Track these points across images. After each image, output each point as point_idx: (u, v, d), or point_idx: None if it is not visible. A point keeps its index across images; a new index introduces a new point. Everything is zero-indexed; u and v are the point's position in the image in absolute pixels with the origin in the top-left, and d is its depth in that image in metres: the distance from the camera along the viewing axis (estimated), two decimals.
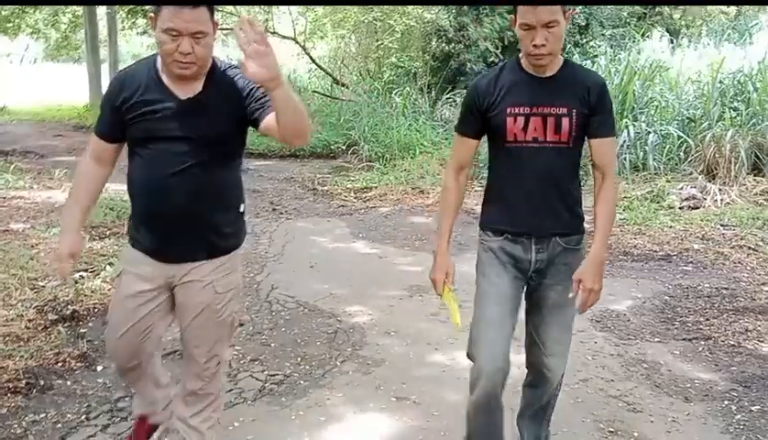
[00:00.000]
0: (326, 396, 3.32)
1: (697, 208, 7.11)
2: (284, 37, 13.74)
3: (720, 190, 7.39)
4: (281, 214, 7.29)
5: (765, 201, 7.24)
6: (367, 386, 3.44)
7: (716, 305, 4.62)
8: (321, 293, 4.76)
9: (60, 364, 3.52)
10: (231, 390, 3.31)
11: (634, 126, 8.72)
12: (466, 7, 11.66)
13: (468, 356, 2.44)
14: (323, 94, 13.29)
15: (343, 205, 7.73)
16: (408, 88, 11.89)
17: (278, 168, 10.09)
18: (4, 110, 17.17)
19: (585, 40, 12.38)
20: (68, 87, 20.92)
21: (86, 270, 4.80)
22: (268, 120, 2.17)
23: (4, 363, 3.42)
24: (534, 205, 2.36)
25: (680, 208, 7.14)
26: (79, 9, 18.70)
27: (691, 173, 7.97)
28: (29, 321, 3.94)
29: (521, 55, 2.36)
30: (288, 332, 4.10)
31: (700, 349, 3.95)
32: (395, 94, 11.74)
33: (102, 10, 17.98)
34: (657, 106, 9.45)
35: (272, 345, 3.91)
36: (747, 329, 4.21)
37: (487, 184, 2.53)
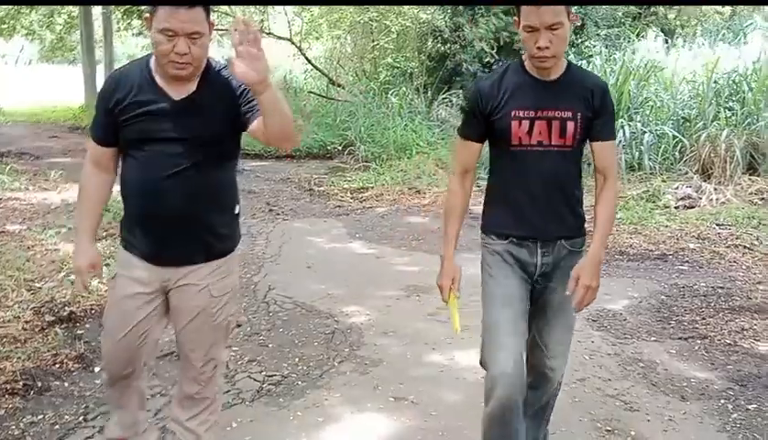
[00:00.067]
0: (324, 396, 3.33)
1: (693, 208, 7.14)
2: (280, 37, 13.73)
3: (716, 189, 7.41)
4: (278, 214, 7.29)
5: (760, 200, 7.28)
6: (365, 386, 3.45)
7: (712, 304, 4.64)
8: (318, 294, 4.76)
9: (57, 365, 3.52)
10: (229, 390, 3.31)
11: (630, 125, 8.75)
12: (461, 8, 11.68)
13: (482, 364, 2.37)
14: (319, 95, 13.29)
15: (339, 206, 7.73)
16: (404, 88, 11.90)
17: (274, 168, 10.08)
18: None
19: (580, 40, 12.40)
20: (63, 88, 20.89)
21: None
22: (257, 123, 2.17)
23: (1, 365, 3.42)
24: (539, 209, 2.34)
25: (676, 208, 7.16)
26: (74, 11, 18.65)
27: (686, 173, 7.99)
28: (26, 322, 3.93)
29: (524, 57, 2.34)
30: (285, 332, 4.10)
31: (696, 348, 3.96)
32: (391, 95, 11.75)
33: (97, 11, 17.94)
34: (652, 106, 9.47)
35: (270, 345, 3.91)
36: (743, 328, 4.23)
37: (488, 187, 2.50)
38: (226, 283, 2.38)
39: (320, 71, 14.19)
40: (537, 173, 2.32)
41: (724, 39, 13.21)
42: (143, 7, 2.33)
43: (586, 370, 3.64)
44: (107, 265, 4.89)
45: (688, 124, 8.84)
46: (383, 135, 10.27)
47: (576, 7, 2.26)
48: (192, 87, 2.21)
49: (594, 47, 12.16)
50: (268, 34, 14.06)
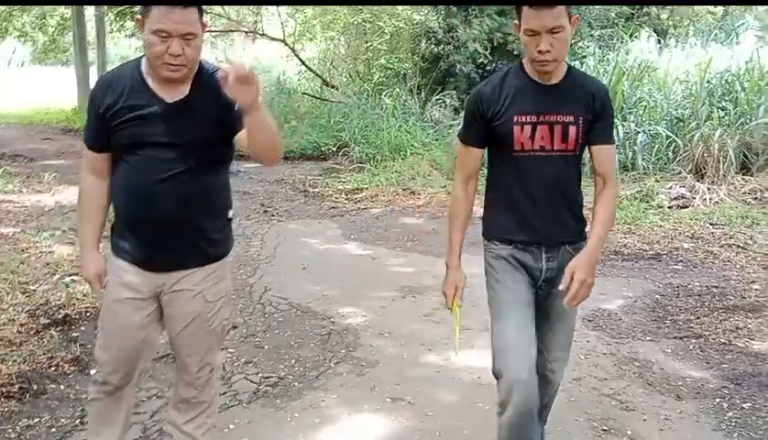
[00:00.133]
0: (321, 397, 3.33)
1: (686, 207, 7.16)
2: (273, 38, 13.72)
3: (709, 189, 7.44)
4: (273, 216, 7.28)
5: (754, 199, 7.31)
6: (362, 387, 3.45)
7: (706, 304, 4.66)
8: (314, 295, 4.76)
9: (53, 368, 3.51)
10: (225, 392, 3.30)
11: (623, 126, 8.77)
12: (454, 9, 11.69)
13: (494, 372, 2.31)
14: (312, 96, 13.27)
15: (334, 207, 7.73)
16: (398, 89, 11.89)
17: (268, 170, 10.03)
18: None
19: (573, 41, 12.42)
20: (56, 90, 20.79)
21: (77, 274, 4.77)
22: (243, 133, 2.15)
23: None
24: (541, 214, 2.33)
25: (669, 207, 7.18)
26: (67, 12, 18.61)
27: (680, 173, 8.02)
28: (21, 325, 3.92)
29: (524, 60, 2.32)
30: (281, 334, 4.10)
31: (691, 347, 3.97)
32: (385, 96, 11.74)
33: (90, 12, 17.89)
34: (646, 106, 9.50)
35: (266, 347, 3.91)
36: (737, 327, 4.24)
37: (488, 192, 2.47)
38: (220, 288, 2.35)
39: (313, 72, 14.17)
40: (539, 178, 2.31)
41: (716, 40, 13.26)
42: (136, 8, 2.30)
43: (581, 370, 3.65)
44: None
45: (681, 124, 8.88)
46: (377, 136, 10.26)
47: (570, 8, 2.24)
48: (185, 90, 2.17)
49: (587, 47, 12.18)
50: (261, 35, 14.07)
